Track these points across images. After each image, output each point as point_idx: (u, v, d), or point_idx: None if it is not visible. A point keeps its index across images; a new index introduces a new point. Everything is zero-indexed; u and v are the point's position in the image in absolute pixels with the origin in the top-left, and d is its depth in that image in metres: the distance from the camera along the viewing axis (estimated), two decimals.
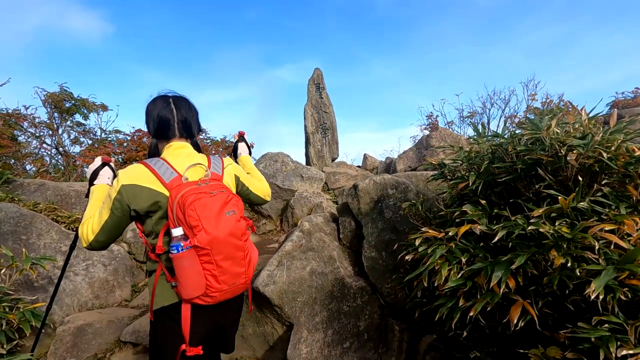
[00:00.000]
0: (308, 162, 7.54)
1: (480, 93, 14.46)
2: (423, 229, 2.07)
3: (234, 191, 1.49)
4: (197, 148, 1.51)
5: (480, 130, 2.31)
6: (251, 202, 1.65)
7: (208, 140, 10.93)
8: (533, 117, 2.18)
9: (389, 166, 6.67)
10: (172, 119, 1.40)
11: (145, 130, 2.10)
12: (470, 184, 2.03)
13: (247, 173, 1.70)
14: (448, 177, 2.45)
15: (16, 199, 3.85)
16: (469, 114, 12.33)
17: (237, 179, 1.53)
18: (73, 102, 7.85)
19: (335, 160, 8.05)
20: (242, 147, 1.87)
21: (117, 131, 9.64)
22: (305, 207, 5.84)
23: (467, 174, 2.18)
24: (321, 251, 2.91)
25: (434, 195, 3.06)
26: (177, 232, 1.18)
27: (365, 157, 7.66)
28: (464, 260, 1.73)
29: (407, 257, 2.02)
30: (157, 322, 1.33)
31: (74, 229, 3.96)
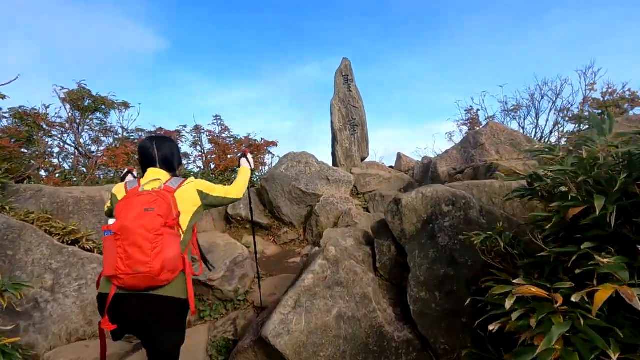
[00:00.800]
0: (335, 163, 6.84)
1: (528, 83, 12.99)
2: (515, 283, 1.32)
3: (195, 201, 1.74)
4: (174, 176, 1.82)
5: (607, 122, 1.50)
6: (220, 204, 1.90)
7: (231, 139, 10.47)
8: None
9: (428, 168, 5.83)
10: (154, 158, 1.79)
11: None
12: (595, 211, 1.25)
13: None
14: (542, 194, 1.67)
15: (7, 207, 3.44)
16: (513, 107, 11.10)
17: (199, 192, 1.77)
18: (92, 99, 7.59)
19: (365, 160, 7.29)
20: (243, 161, 2.24)
21: (139, 129, 9.39)
22: (332, 215, 5.16)
23: (583, 194, 1.40)
24: (352, 287, 2.20)
25: (503, 213, 2.26)
26: (110, 221, 1.52)
27: (399, 156, 6.84)
28: (614, 356, 0.97)
29: (491, 327, 1.28)
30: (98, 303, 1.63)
31: (69, 242, 3.50)
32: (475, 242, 1.67)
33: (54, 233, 3.47)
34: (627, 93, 8.76)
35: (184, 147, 10.08)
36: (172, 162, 1.81)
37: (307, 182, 5.39)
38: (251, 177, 2.19)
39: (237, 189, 1.96)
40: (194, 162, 9.96)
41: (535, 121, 10.16)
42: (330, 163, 9.05)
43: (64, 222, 3.61)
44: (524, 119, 10.31)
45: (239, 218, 5.20)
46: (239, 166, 2.26)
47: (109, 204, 1.83)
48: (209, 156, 9.72)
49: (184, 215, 1.65)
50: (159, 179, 1.67)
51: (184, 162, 9.55)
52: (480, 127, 11.18)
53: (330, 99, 7.09)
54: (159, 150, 1.77)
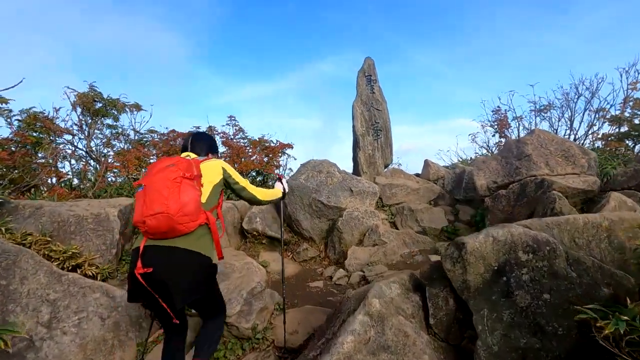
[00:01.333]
0: (356, 169, 6.36)
1: (562, 82, 12.17)
2: None
3: (217, 172, 1.98)
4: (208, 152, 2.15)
5: None
6: (237, 192, 2.09)
7: (245, 141, 10.09)
8: None
9: (460, 178, 5.30)
10: (187, 147, 2.12)
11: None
12: None
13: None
14: None
15: (3, 228, 3.11)
16: (542, 107, 10.37)
17: (223, 169, 2.00)
18: (103, 102, 7.30)
19: (388, 167, 6.80)
20: (277, 184, 2.50)
21: (152, 131, 9.08)
22: (356, 231, 4.70)
23: None
24: (402, 353, 1.75)
25: (593, 259, 1.77)
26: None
27: (426, 164, 6.32)
28: None
29: None
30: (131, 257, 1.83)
31: (69, 268, 3.15)
32: (604, 331, 1.19)
33: (54, 257, 3.12)
34: None
35: None
36: (200, 149, 2.10)
37: (328, 193, 4.94)
38: (283, 203, 2.59)
39: (261, 192, 2.17)
40: None
41: (570, 122, 9.45)
42: (349, 169, 8.58)
43: (64, 245, 3.26)
44: (558, 120, 9.61)
45: (255, 233, 4.79)
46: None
47: None
48: (224, 159, 9.37)
49: (206, 184, 1.86)
50: (189, 155, 1.98)
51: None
52: (510, 129, 10.58)
53: (351, 100, 6.62)
54: (197, 142, 2.12)
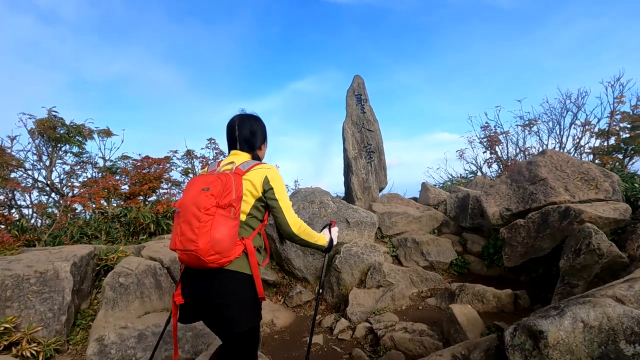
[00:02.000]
0: (349, 195, 5.85)
1: (550, 96, 12.29)
2: None
3: (257, 187, 1.61)
4: (255, 158, 1.78)
5: None
6: (274, 212, 1.67)
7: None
8: None
9: (465, 203, 4.87)
10: (235, 138, 1.77)
11: None
12: None
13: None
14: None
15: None
16: (527, 122, 10.28)
17: (265, 179, 1.62)
18: (66, 128, 6.59)
19: (383, 192, 6.33)
20: (325, 232, 1.98)
21: (125, 157, 8.34)
22: (356, 270, 4.15)
23: None
24: None
25: None
26: None
27: (424, 187, 5.88)
28: None
29: None
30: None
31: (1, 348, 2.44)
32: None
33: None
34: None
35: (175, 175, 9.08)
36: (252, 142, 1.78)
37: (323, 226, 4.38)
38: (329, 266, 2.19)
39: (299, 225, 1.71)
40: None
41: (560, 137, 9.34)
42: (340, 193, 8.05)
43: None
44: (548, 135, 9.50)
45: None
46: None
47: None
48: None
49: (248, 198, 1.60)
50: (233, 162, 1.66)
51: (172, 191, 8.54)
52: (500, 145, 10.40)
53: (338, 119, 6.18)
54: (240, 130, 1.77)
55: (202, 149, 9.28)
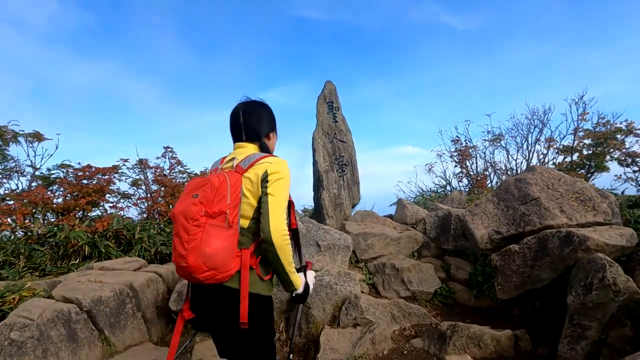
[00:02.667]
0: (320, 214, 5.26)
1: (520, 111, 12.58)
2: None
3: (257, 185, 1.41)
4: (263, 149, 1.58)
5: None
6: (263, 214, 1.39)
7: (184, 177, 8.57)
8: None
9: (447, 223, 4.44)
10: (241, 128, 1.58)
11: None
12: None
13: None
14: None
15: None
16: (494, 137, 10.32)
17: (265, 174, 1.41)
18: None
19: (356, 207, 5.80)
20: (300, 275, 1.57)
21: (64, 166, 7.20)
22: (329, 304, 3.52)
23: None
24: None
25: None
26: None
27: (401, 204, 5.42)
28: None
29: None
30: None
31: None
32: None
33: None
34: (623, 124, 8.19)
35: (123, 186, 8.06)
36: (258, 130, 1.58)
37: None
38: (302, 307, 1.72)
39: (285, 239, 1.37)
40: (136, 205, 7.90)
41: (528, 153, 9.39)
42: (308, 206, 7.41)
43: None
44: (517, 151, 9.53)
45: None
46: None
47: None
48: (157, 199, 7.74)
49: (251, 198, 1.40)
50: (235, 158, 1.49)
51: (122, 203, 7.53)
52: (470, 159, 10.30)
53: (306, 129, 5.63)
54: (245, 117, 1.57)
55: (157, 158, 8.35)
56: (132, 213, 7.70)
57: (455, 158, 9.77)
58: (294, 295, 1.55)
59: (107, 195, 6.94)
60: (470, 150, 10.16)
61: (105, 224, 5.47)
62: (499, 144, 10.28)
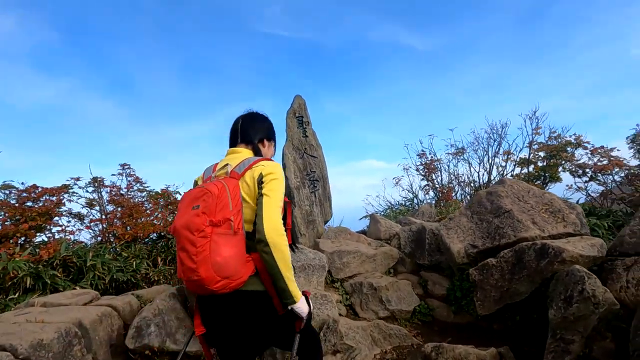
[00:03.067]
0: (291, 232, 5.05)
1: (479, 126, 13.23)
2: None
3: (253, 188, 1.43)
4: (256, 152, 1.62)
5: None
6: (258, 214, 1.41)
7: (143, 195, 7.99)
8: None
9: (421, 237, 4.40)
10: (237, 131, 1.65)
11: None
12: None
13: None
14: None
15: None
16: (456, 151, 10.71)
17: (260, 177, 1.44)
18: None
19: (328, 224, 5.66)
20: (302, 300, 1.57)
21: (7, 186, 6.44)
22: None
23: None
24: None
25: None
26: None
27: (374, 219, 5.34)
28: None
29: None
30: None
31: None
32: None
33: None
34: (573, 137, 8.80)
35: (76, 207, 7.36)
36: (253, 134, 1.64)
37: None
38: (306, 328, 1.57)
39: (281, 238, 1.37)
40: (89, 228, 7.21)
41: (489, 166, 9.80)
42: None
43: None
44: (479, 164, 9.91)
45: (147, 352, 3.03)
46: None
47: None
48: (113, 220, 7.12)
49: (250, 205, 1.43)
50: (228, 164, 1.51)
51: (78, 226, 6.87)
52: (436, 172, 10.60)
53: (281, 146, 5.46)
54: (244, 122, 1.66)
55: (113, 175, 7.74)
56: (85, 237, 7.02)
57: (422, 171, 10.00)
58: (289, 308, 1.44)
59: (56, 218, 6.28)
60: (435, 164, 10.45)
61: (51, 251, 4.89)
62: (461, 157, 10.67)
